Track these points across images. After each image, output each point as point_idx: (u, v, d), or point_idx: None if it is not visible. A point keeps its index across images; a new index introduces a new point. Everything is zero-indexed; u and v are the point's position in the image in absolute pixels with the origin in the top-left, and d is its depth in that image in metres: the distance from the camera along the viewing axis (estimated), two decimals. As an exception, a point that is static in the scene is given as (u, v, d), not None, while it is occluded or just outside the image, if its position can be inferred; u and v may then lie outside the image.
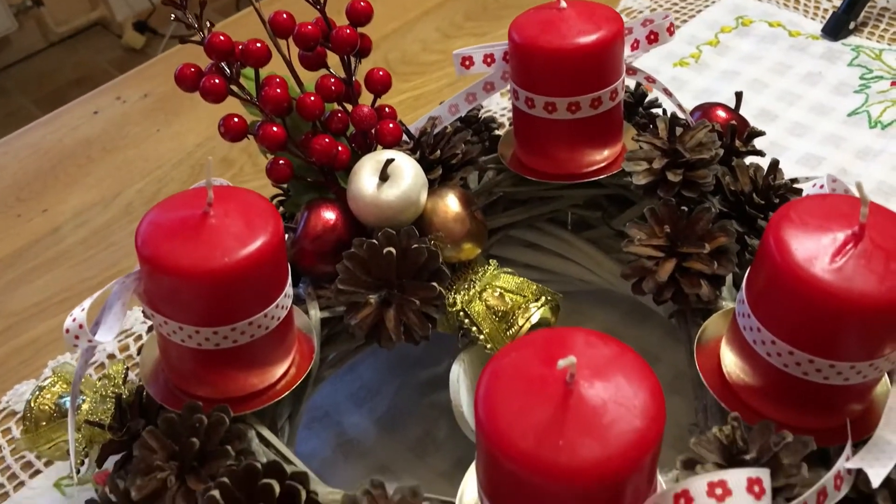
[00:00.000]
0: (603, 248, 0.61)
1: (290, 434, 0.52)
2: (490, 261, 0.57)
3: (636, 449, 0.33)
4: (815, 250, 0.40)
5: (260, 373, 0.49)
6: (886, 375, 0.46)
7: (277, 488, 0.40)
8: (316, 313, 0.53)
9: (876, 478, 0.40)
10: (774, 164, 0.55)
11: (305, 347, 0.52)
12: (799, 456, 0.40)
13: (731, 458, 0.41)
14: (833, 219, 0.41)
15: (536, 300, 0.55)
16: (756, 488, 0.35)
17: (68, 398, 0.56)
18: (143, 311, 0.49)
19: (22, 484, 0.62)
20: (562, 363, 0.33)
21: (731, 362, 0.47)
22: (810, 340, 0.42)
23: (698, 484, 0.35)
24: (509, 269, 0.57)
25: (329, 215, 0.54)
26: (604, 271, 0.61)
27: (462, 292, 0.54)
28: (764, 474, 0.36)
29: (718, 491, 0.35)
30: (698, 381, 0.48)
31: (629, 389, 0.34)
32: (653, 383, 0.35)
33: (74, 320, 0.45)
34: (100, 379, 0.56)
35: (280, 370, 0.50)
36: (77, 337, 0.45)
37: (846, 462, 0.40)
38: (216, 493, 0.40)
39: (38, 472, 0.63)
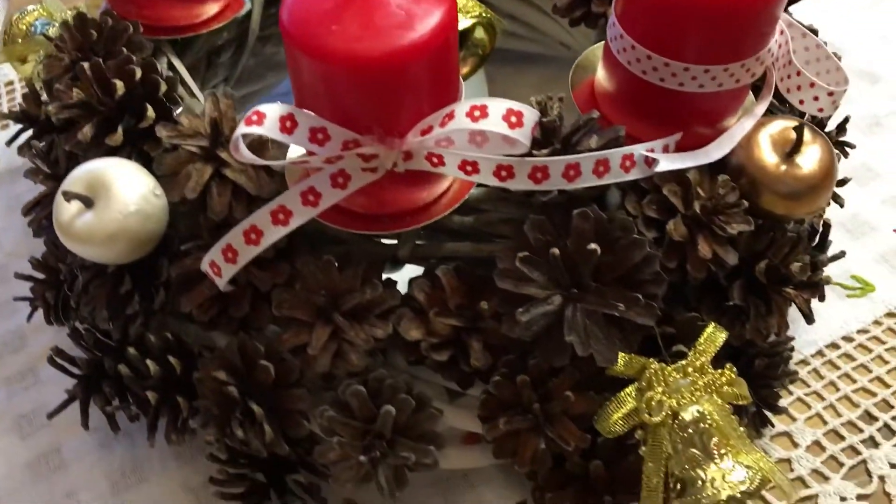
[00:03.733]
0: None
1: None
2: None
3: (409, 51, 0.36)
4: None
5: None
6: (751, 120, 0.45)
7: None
8: None
9: (664, 165, 0.41)
10: None
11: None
12: (605, 140, 0.42)
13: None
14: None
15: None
16: (514, 119, 0.38)
17: (43, 24, 0.63)
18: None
19: None
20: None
21: (600, 77, 0.48)
22: (664, 43, 0.42)
23: (463, 107, 0.38)
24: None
25: None
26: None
27: None
28: (528, 111, 0.38)
29: (477, 113, 0.38)
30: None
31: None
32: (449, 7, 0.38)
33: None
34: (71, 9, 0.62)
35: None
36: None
37: (644, 150, 0.42)
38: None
39: None
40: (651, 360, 0.43)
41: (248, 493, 0.47)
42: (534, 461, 0.43)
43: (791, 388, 0.53)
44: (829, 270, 0.55)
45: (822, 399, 0.53)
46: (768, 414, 0.51)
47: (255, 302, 0.45)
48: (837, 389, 0.53)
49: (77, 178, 0.44)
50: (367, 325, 0.43)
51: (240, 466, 0.47)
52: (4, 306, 0.62)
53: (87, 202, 0.43)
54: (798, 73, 0.43)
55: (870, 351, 0.55)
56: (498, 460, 0.45)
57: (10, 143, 0.57)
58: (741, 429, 0.43)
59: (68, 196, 0.43)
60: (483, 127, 0.38)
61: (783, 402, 0.52)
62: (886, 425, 0.51)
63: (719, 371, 0.43)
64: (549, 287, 0.40)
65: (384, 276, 0.46)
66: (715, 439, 0.42)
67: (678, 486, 0.42)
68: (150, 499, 0.52)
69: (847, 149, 0.55)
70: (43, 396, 0.57)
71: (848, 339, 0.56)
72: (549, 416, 0.43)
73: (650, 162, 0.41)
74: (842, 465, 0.50)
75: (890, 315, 0.57)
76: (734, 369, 0.43)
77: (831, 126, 0.54)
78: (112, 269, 0.47)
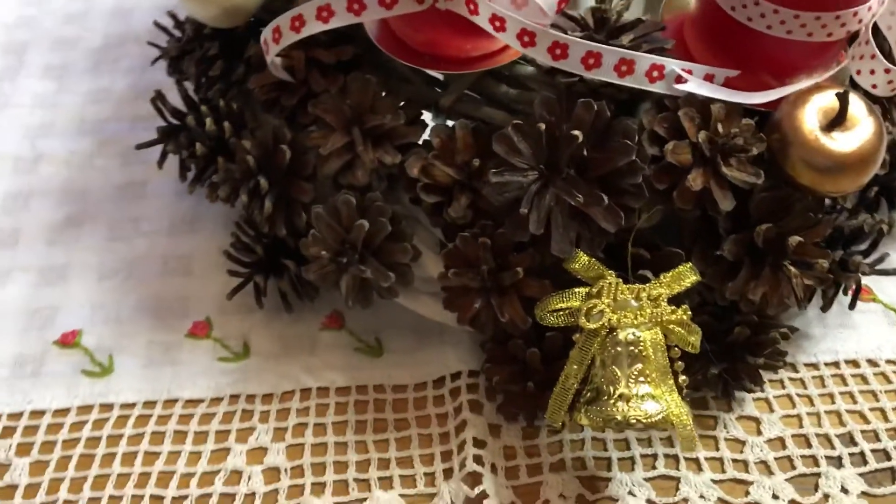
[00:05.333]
0: None
1: None
2: None
3: None
4: None
5: None
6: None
7: None
8: None
9: (692, 87, 0.41)
10: None
11: None
12: (646, 44, 0.42)
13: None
14: None
15: None
16: None
17: None
18: None
19: None
20: None
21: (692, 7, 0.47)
22: None
23: None
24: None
25: None
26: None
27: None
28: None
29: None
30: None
31: None
32: None
33: None
34: None
35: None
36: None
37: (679, 68, 0.41)
38: None
39: None
40: (611, 272, 0.43)
41: (252, 264, 0.53)
42: (473, 322, 0.46)
43: (787, 384, 0.51)
44: None
45: (812, 405, 0.50)
46: (742, 393, 0.49)
47: (305, 99, 0.50)
48: (833, 403, 0.50)
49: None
50: (381, 149, 0.47)
51: (249, 237, 0.52)
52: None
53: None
54: (867, 42, 0.40)
55: (889, 382, 0.51)
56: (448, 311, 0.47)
57: None
58: (670, 375, 0.43)
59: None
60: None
61: (776, 393, 0.51)
62: (862, 454, 0.48)
63: (672, 308, 0.42)
64: (531, 162, 0.41)
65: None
66: (640, 366, 0.42)
67: (588, 395, 0.43)
68: (192, 247, 0.60)
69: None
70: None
71: (873, 362, 0.52)
72: (498, 285, 0.44)
73: (679, 80, 0.41)
74: (794, 468, 0.48)
75: (931, 358, 0.52)
76: (689, 313, 0.43)
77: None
78: (208, 31, 0.53)
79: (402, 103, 0.48)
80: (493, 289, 0.44)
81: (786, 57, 0.42)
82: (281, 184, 0.49)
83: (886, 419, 0.50)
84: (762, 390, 0.50)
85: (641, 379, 0.42)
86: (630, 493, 0.47)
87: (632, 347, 0.42)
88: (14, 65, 0.74)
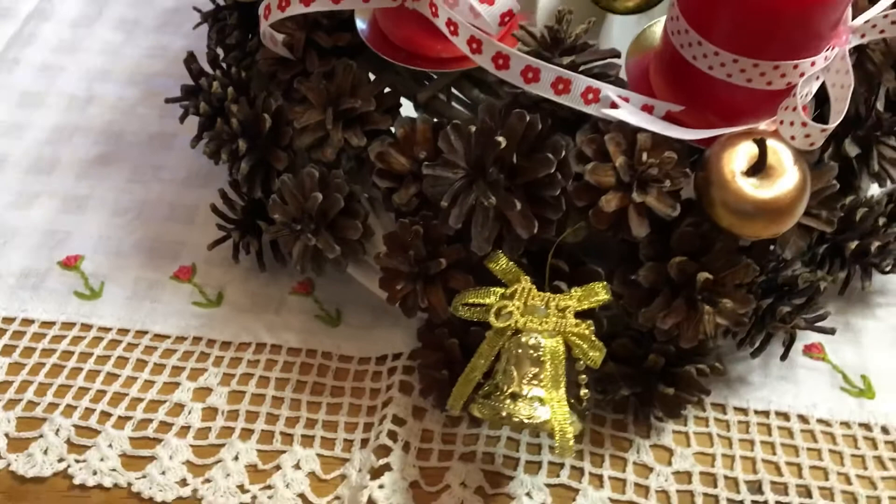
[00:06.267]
0: None
1: None
2: None
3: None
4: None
5: None
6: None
7: None
8: None
9: (623, 115, 0.42)
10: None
11: None
12: (595, 69, 0.44)
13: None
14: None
15: None
16: (488, -2, 0.41)
17: None
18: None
19: None
20: None
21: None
22: (700, 19, 0.42)
23: None
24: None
25: None
26: None
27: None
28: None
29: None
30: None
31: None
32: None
33: None
34: None
35: None
36: None
37: (615, 94, 0.43)
38: None
39: None
40: (528, 278, 0.45)
41: (233, 220, 0.58)
42: (403, 304, 0.48)
43: (712, 423, 0.52)
44: (855, 357, 0.53)
45: (730, 448, 0.51)
46: (663, 423, 0.50)
47: (298, 76, 0.53)
48: (751, 450, 0.51)
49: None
50: (350, 131, 0.50)
51: (234, 197, 0.57)
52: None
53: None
54: (793, 94, 0.41)
55: (815, 441, 0.51)
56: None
57: None
58: (563, 385, 0.44)
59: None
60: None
61: (698, 429, 0.51)
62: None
63: (577, 321, 0.44)
64: (462, 161, 0.44)
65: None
66: (536, 370, 0.44)
67: (487, 389, 0.45)
68: (199, 199, 0.65)
69: None
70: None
71: (804, 419, 0.52)
72: (425, 273, 0.47)
73: (614, 105, 0.43)
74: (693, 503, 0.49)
75: (864, 427, 0.52)
76: (592, 328, 0.44)
77: None
78: (229, 1, 0.57)
79: (380, 91, 0.51)
80: (421, 275, 0.47)
81: (732, 100, 0.43)
82: (259, 149, 0.53)
83: (800, 475, 0.50)
84: (678, 422, 0.51)
85: (535, 382, 0.44)
86: (528, 494, 0.49)
87: (532, 351, 0.44)
88: (94, 14, 0.81)
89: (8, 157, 0.69)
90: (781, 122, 0.41)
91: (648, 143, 0.43)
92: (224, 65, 0.59)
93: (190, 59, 0.62)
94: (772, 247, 0.47)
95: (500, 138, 0.42)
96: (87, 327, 0.58)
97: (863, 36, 0.44)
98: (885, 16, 0.43)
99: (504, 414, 0.43)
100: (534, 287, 0.45)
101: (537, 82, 0.42)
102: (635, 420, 0.50)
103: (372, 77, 0.51)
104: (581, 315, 0.45)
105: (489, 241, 0.44)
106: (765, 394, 0.53)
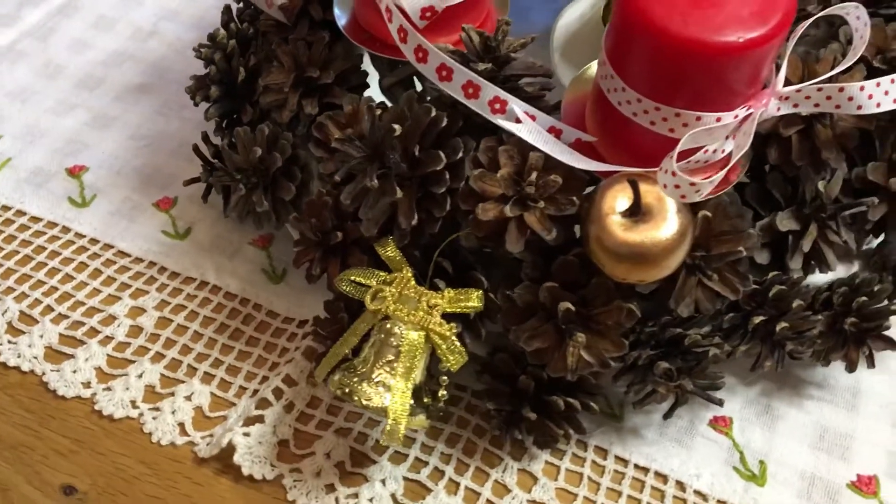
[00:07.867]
0: None
1: None
2: None
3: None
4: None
5: None
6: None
7: None
8: None
9: (523, 131, 0.43)
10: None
11: None
12: (505, 81, 0.44)
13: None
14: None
15: None
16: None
17: None
18: None
19: None
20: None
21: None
22: (622, 63, 0.42)
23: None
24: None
25: None
26: None
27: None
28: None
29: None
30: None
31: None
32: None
33: None
34: None
35: None
36: None
37: (522, 110, 0.43)
38: None
39: None
40: (411, 270, 0.46)
41: (208, 163, 0.61)
42: (307, 270, 0.50)
43: (587, 465, 0.51)
44: (762, 441, 0.52)
45: (595, 493, 0.50)
46: (537, 451, 0.50)
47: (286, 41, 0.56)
48: (616, 501, 0.49)
49: None
50: (308, 99, 0.52)
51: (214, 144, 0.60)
52: None
53: None
54: (671, 157, 0.39)
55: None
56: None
57: None
58: (413, 379, 0.45)
59: None
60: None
61: (571, 467, 0.51)
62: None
63: (441, 321, 0.45)
64: (367, 143, 0.45)
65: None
66: (391, 358, 0.45)
67: (347, 364, 0.47)
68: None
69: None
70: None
71: (681, 486, 0.50)
72: (326, 243, 0.49)
73: (518, 120, 0.43)
74: (536, 535, 0.48)
75: (738, 511, 0.49)
76: (454, 330, 0.45)
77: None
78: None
79: (346, 69, 0.53)
80: (322, 245, 0.49)
81: (642, 141, 0.42)
82: (230, 98, 0.56)
83: (658, 537, 0.48)
84: (555, 454, 0.51)
85: (388, 370, 0.45)
86: (382, 481, 0.50)
87: (393, 339, 0.45)
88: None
89: (65, 68, 0.75)
90: (665, 171, 0.40)
91: (540, 163, 0.43)
92: (237, 20, 0.62)
93: (225, 12, 0.66)
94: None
95: (396, 126, 0.43)
96: (66, 230, 0.63)
97: (795, 105, 0.42)
98: (819, 89, 0.41)
99: (347, 391, 0.44)
100: (413, 279, 0.46)
101: (450, 82, 0.43)
102: (512, 441, 0.50)
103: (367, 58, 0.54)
104: (452, 318, 0.45)
105: (375, 223, 0.45)
106: (652, 451, 0.51)
